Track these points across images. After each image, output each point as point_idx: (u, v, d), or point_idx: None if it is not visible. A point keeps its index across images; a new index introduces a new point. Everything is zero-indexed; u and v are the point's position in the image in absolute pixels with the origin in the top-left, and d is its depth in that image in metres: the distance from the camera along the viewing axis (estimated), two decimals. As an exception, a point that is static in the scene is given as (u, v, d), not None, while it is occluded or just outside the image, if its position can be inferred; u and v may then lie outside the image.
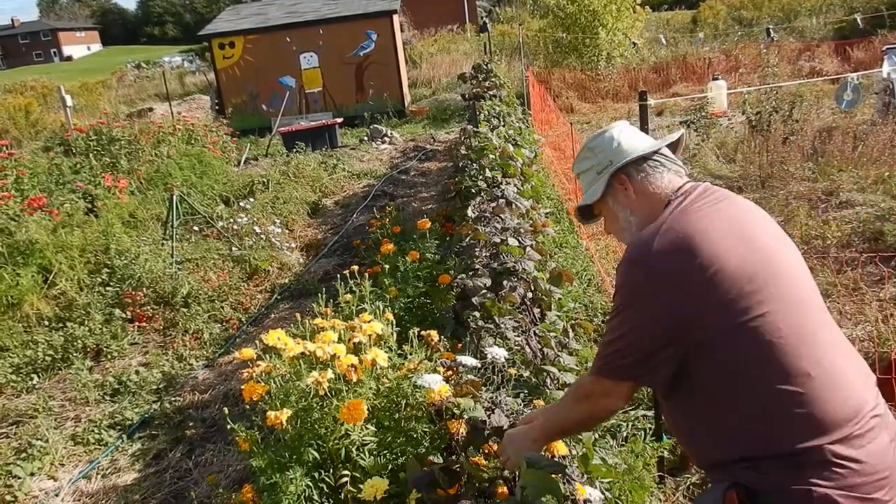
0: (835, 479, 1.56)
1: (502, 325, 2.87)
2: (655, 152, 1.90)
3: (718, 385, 1.67)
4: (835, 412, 1.59)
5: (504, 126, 6.87)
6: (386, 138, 14.89)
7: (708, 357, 1.65)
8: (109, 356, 5.69)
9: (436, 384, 2.03)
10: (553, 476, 1.76)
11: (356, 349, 2.32)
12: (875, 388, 1.73)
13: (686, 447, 1.99)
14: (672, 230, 1.68)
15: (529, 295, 3.28)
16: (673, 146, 1.97)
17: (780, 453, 1.61)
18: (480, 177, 4.90)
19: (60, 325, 5.99)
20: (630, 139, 1.92)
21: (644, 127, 3.62)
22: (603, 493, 2.04)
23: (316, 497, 2.12)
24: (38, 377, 5.40)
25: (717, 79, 13.70)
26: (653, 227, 1.74)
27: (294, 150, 12.65)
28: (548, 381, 2.49)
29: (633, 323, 1.71)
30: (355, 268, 3.84)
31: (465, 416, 2.09)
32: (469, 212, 4.17)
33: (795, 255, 1.80)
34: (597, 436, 2.56)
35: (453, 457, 2.06)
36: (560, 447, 2.04)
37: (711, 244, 1.64)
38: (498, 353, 2.36)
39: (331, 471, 2.15)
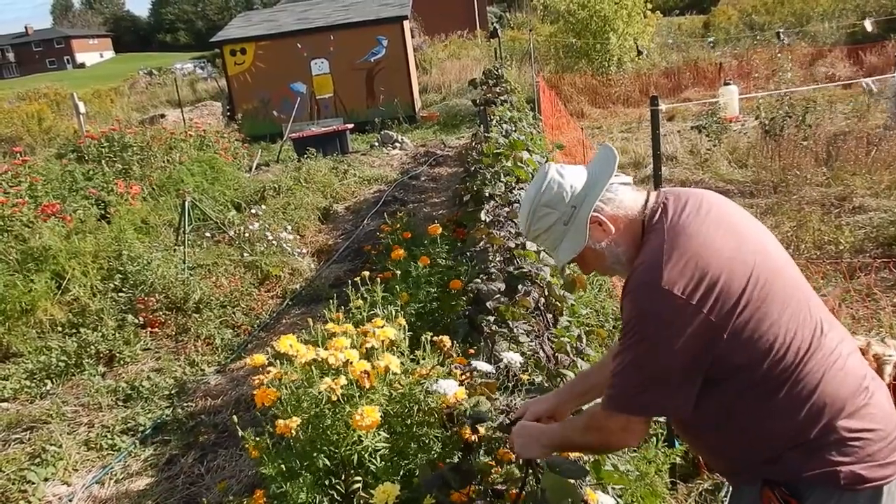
0: (854, 454, 1.60)
1: (516, 330, 2.86)
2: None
3: (738, 393, 1.66)
4: (839, 390, 1.62)
5: (516, 131, 6.87)
6: (396, 144, 14.90)
7: (728, 369, 1.64)
8: (122, 362, 5.71)
9: (451, 390, 2.01)
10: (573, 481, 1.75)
11: (368, 355, 2.31)
12: (860, 354, 1.76)
13: (703, 455, 1.98)
14: (676, 251, 1.64)
15: (543, 300, 3.27)
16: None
17: (799, 442, 1.63)
18: (493, 181, 4.89)
19: (73, 330, 6.02)
20: (576, 178, 1.83)
21: (655, 132, 3.61)
22: (616, 500, 2.02)
23: (327, 503, 2.11)
24: (52, 383, 5.42)
25: (728, 84, 13.65)
26: (652, 251, 1.68)
27: (305, 155, 12.68)
28: (561, 385, 2.47)
29: (657, 353, 1.63)
30: (366, 273, 3.82)
31: (472, 412, 2.07)
32: (482, 216, 4.17)
33: (775, 243, 1.81)
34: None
35: (467, 458, 2.06)
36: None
37: (718, 257, 1.63)
38: (513, 357, 2.35)
39: (343, 477, 2.14)
